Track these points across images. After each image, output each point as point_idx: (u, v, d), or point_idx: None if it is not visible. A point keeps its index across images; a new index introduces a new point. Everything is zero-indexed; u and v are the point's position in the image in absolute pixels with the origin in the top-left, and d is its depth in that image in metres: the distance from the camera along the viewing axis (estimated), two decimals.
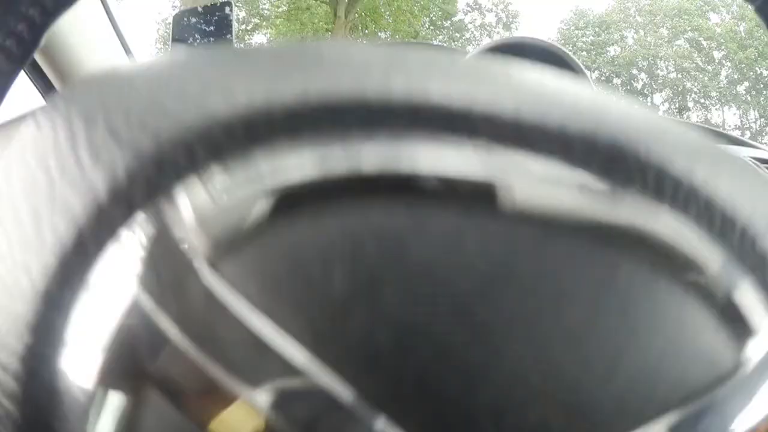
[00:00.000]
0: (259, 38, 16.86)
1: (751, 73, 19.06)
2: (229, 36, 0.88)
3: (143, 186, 0.12)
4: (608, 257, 0.12)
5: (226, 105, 0.12)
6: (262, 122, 0.12)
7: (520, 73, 0.15)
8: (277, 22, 16.21)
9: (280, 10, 15.90)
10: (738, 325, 0.13)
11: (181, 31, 0.91)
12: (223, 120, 0.12)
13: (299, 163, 0.12)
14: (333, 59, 0.13)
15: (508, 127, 0.12)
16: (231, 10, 0.90)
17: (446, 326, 0.11)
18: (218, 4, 0.91)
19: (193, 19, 0.90)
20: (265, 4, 16.00)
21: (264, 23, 16.40)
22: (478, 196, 0.12)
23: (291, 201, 0.12)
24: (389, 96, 0.12)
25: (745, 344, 0.13)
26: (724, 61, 19.60)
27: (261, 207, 0.12)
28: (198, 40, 0.90)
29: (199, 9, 0.92)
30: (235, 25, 0.90)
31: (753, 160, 0.87)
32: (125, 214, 0.12)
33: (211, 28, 0.89)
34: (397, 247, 0.11)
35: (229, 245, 0.12)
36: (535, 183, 0.12)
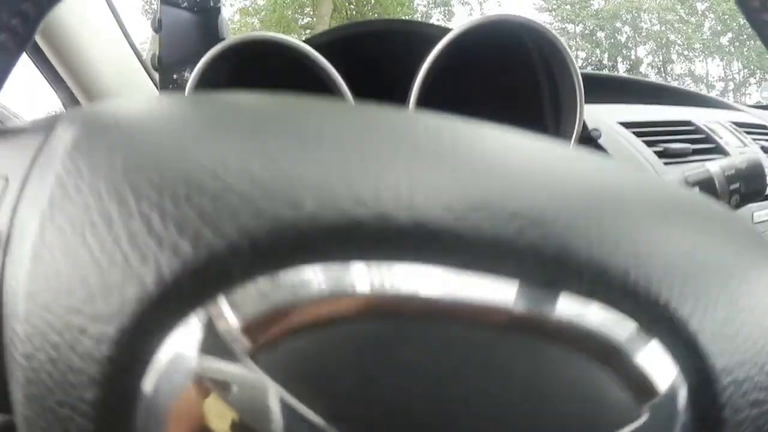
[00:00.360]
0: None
1: (734, 24, 18.87)
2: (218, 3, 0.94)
3: (190, 291, 0.14)
4: (526, 343, 0.14)
5: (272, 221, 0.14)
6: (297, 244, 0.14)
7: (487, 160, 0.17)
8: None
9: None
10: (642, 386, 0.14)
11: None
12: (277, 234, 0.14)
13: (328, 277, 0.14)
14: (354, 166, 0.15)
15: (453, 242, 0.14)
16: None
17: (426, 402, 0.13)
18: None
19: None
20: None
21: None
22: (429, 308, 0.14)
23: (316, 308, 0.14)
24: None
25: (650, 401, 0.14)
26: (707, 13, 19.42)
27: (293, 313, 0.14)
28: (186, 2, 0.93)
29: None
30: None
31: (732, 125, 0.98)
32: (173, 313, 0.14)
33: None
34: (390, 353, 0.14)
35: (267, 342, 0.14)
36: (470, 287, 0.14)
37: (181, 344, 0.14)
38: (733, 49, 19.39)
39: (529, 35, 0.68)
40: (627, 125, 0.84)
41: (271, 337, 0.14)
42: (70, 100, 1.07)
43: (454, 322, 0.14)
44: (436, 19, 19.00)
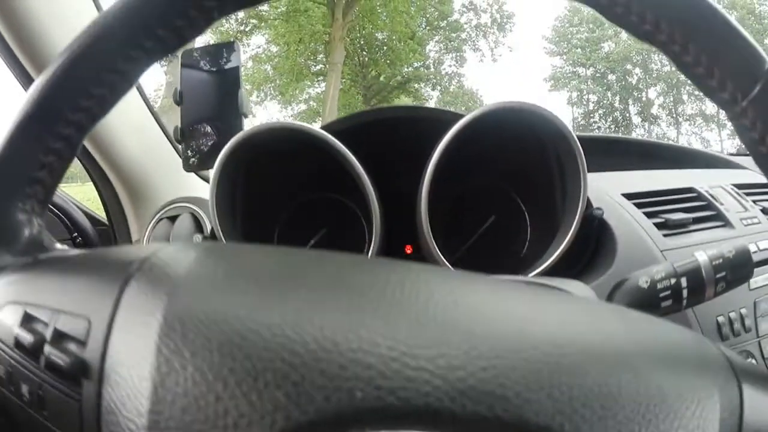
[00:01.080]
0: (257, 39, 16.81)
1: None
2: (237, 65, 0.97)
3: None
4: None
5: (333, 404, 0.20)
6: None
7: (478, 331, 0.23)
8: (276, 24, 16.27)
9: (278, 11, 15.88)
10: None
11: (191, 61, 0.97)
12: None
13: None
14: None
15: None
16: (237, 50, 0.98)
17: None
18: (226, 43, 0.99)
19: (203, 55, 0.98)
20: (263, 5, 15.84)
21: (262, 24, 16.44)
22: None
23: None
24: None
25: None
26: None
27: None
28: (207, 67, 0.98)
29: (208, 47, 1.00)
30: (242, 61, 0.99)
31: (734, 188, 0.99)
32: None
33: (219, 59, 0.98)
34: None
35: None
36: None
37: None
38: None
39: (537, 120, 0.72)
40: (630, 197, 0.87)
41: None
42: (93, 167, 1.12)
43: None
44: (448, 64, 19.45)
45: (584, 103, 22.73)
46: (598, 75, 22.03)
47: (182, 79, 0.99)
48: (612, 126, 22.22)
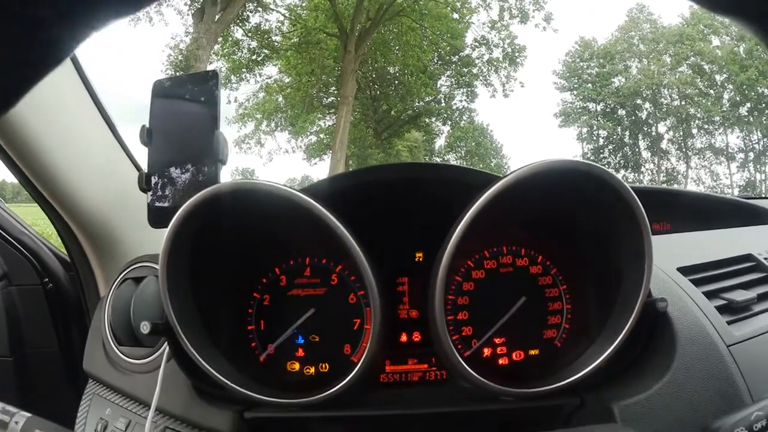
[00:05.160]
0: (269, 70, 16.97)
1: (753, 94, 19.09)
2: (215, 103, 0.80)
3: None
4: None
5: None
6: None
7: None
8: (288, 54, 16.37)
9: (290, 42, 16.04)
10: None
11: (162, 91, 0.83)
12: None
13: None
14: None
15: None
16: (217, 82, 0.82)
17: None
18: (204, 73, 0.83)
19: (177, 87, 0.83)
20: (276, 36, 16.12)
21: (274, 55, 16.56)
22: None
23: None
24: None
25: None
26: (726, 84, 19.63)
27: None
28: (182, 100, 0.83)
29: (183, 76, 0.85)
30: (221, 96, 0.82)
31: None
32: None
33: (196, 92, 0.82)
34: None
35: None
36: None
37: None
38: (752, 119, 19.42)
39: (588, 181, 0.58)
40: (686, 271, 0.74)
41: None
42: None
43: None
44: (459, 99, 19.48)
45: (594, 138, 22.69)
46: (608, 110, 22.05)
47: (151, 115, 0.84)
48: (622, 161, 22.15)
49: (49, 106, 0.88)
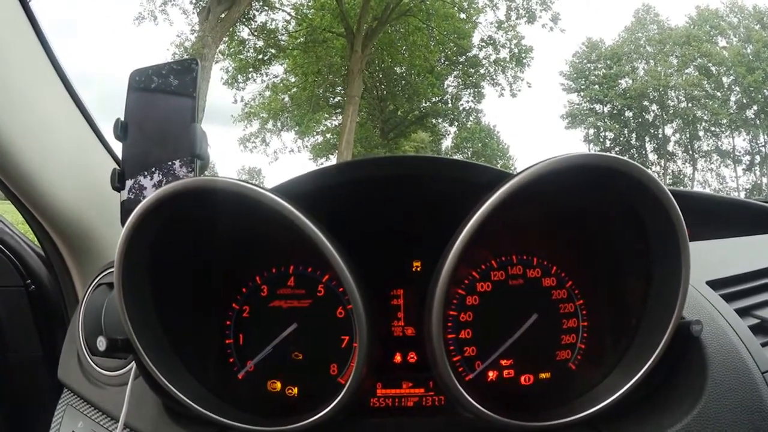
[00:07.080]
0: (275, 69, 16.94)
1: (760, 97, 18.98)
2: (194, 94, 0.75)
3: None
4: None
5: None
6: None
7: None
8: (294, 54, 16.31)
9: (297, 41, 15.97)
10: None
11: (139, 83, 0.77)
12: None
13: None
14: None
15: None
16: (197, 69, 0.77)
17: None
18: (184, 61, 0.78)
19: (155, 77, 0.77)
20: (282, 35, 16.07)
21: (281, 54, 16.49)
22: None
23: None
24: None
25: None
26: (733, 86, 19.52)
27: None
28: (159, 92, 0.78)
29: (162, 65, 0.79)
30: (199, 84, 0.77)
31: None
32: None
33: (175, 83, 0.77)
34: None
35: None
36: None
37: None
38: (759, 122, 19.27)
39: (616, 180, 0.51)
40: (716, 285, 0.65)
41: None
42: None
43: None
44: (465, 100, 19.38)
45: (601, 140, 22.55)
46: (615, 112, 21.94)
47: (127, 108, 0.77)
48: None
49: (13, 94, 0.81)
